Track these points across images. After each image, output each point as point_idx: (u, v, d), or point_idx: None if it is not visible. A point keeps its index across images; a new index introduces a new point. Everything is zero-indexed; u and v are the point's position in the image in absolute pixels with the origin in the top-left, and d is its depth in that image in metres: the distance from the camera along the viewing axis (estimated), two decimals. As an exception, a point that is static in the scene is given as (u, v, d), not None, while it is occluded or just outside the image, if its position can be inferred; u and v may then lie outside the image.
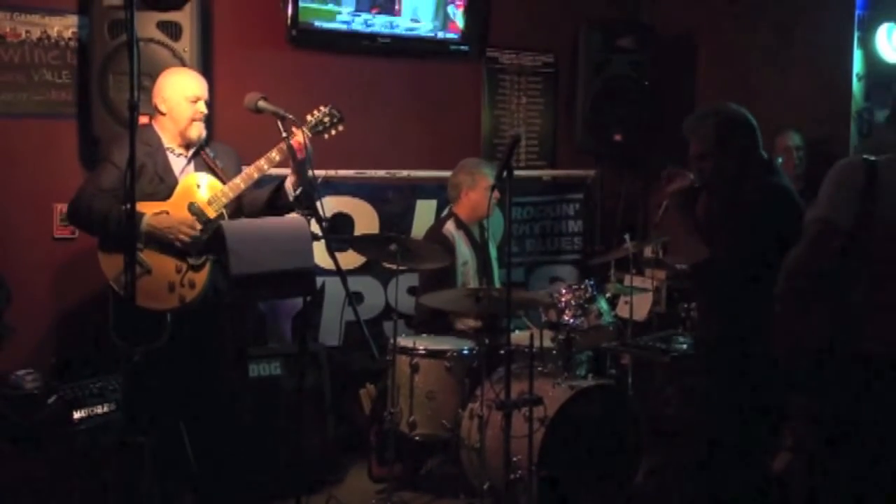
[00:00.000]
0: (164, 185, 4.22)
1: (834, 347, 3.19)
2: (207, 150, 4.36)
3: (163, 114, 4.27)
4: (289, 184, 4.30)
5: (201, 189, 4.24)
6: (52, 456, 4.13)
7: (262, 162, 4.25)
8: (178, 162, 4.30)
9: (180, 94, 4.24)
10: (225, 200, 4.23)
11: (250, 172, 4.26)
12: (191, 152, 4.32)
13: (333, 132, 4.40)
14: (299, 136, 4.20)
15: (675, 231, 3.95)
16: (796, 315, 3.28)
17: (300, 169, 4.19)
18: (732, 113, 3.89)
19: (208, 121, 4.36)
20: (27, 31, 4.94)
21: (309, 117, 4.35)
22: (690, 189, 3.85)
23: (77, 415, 4.23)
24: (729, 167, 3.82)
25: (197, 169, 4.32)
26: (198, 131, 4.28)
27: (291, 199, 4.28)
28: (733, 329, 3.79)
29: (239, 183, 4.25)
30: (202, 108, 4.27)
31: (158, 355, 3.98)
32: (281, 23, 5.49)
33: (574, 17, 6.46)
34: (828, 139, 5.68)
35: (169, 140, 4.29)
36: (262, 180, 4.31)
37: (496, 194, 5.17)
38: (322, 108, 4.38)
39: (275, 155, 4.22)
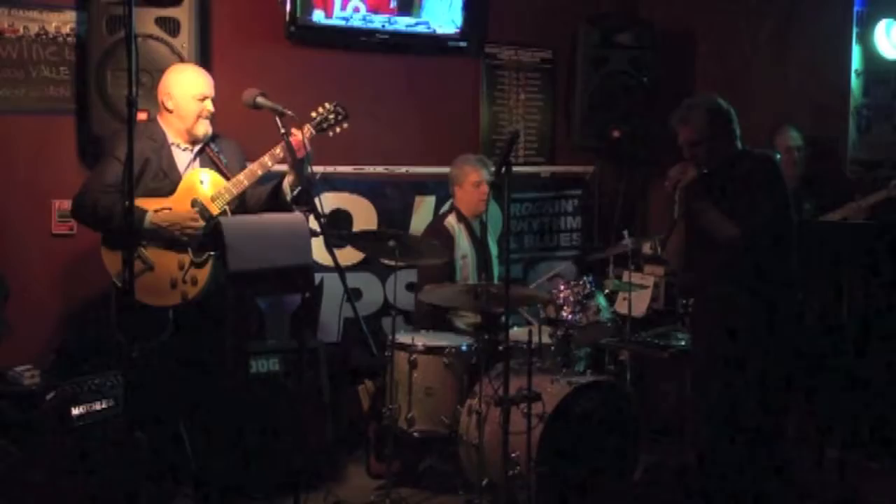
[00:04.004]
0: (168, 181, 4.22)
1: None
2: (212, 145, 4.36)
3: (169, 111, 4.26)
4: (286, 183, 4.30)
5: (205, 185, 4.24)
6: (50, 452, 4.12)
7: (265, 158, 4.25)
8: (183, 157, 4.30)
9: (188, 92, 4.24)
10: (228, 197, 4.23)
11: (254, 169, 4.26)
12: (196, 148, 4.32)
13: (338, 129, 4.40)
14: (298, 135, 4.21)
15: (699, 221, 4.09)
16: None
17: (298, 167, 4.19)
18: (717, 101, 4.18)
19: (208, 117, 4.37)
20: (25, 27, 4.93)
21: (313, 114, 4.35)
22: (697, 177, 4.11)
23: (75, 411, 4.22)
24: (721, 149, 4.09)
25: (202, 164, 4.33)
26: (204, 129, 4.28)
27: (289, 198, 4.29)
28: (776, 302, 4.08)
29: (242, 180, 4.26)
30: (209, 106, 4.28)
31: (159, 351, 3.98)
32: (279, 19, 5.48)
33: (572, 13, 6.45)
34: (826, 135, 5.68)
35: (174, 136, 4.29)
36: (266, 176, 4.31)
37: (484, 188, 5.21)
38: (327, 104, 4.38)
39: (278, 151, 4.23)
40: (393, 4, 5.79)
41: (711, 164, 4.10)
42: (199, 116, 4.25)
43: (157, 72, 4.50)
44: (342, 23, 5.62)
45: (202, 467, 4.41)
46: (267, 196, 4.36)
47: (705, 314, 4.33)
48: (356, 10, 5.68)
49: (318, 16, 5.53)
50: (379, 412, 4.91)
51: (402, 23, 5.81)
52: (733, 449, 4.15)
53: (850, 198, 5.18)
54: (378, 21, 5.72)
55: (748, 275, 4.05)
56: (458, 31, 6.00)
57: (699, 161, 4.09)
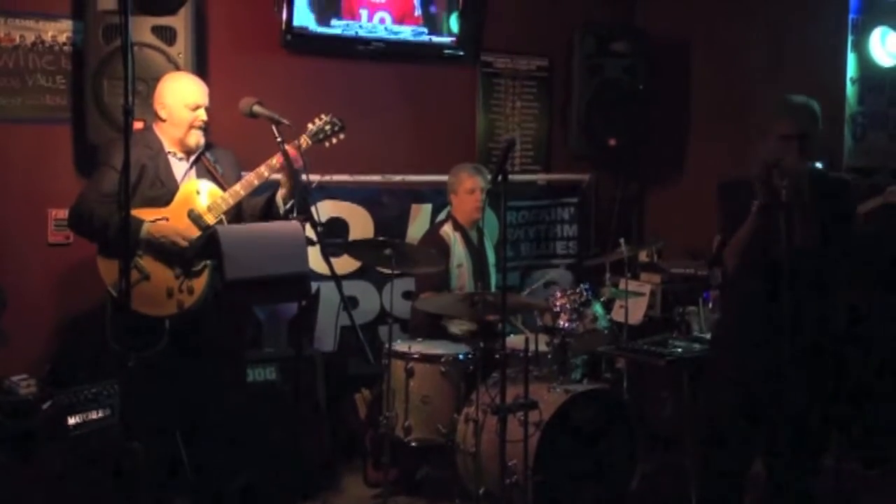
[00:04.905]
0: (165, 190, 4.21)
1: None
2: (208, 154, 4.35)
3: (163, 120, 4.26)
4: (279, 196, 4.30)
5: (201, 195, 4.24)
6: (46, 462, 4.11)
7: (262, 168, 4.25)
8: (179, 166, 4.29)
9: (180, 101, 4.23)
10: (225, 207, 4.23)
11: (250, 179, 4.25)
12: (192, 157, 4.32)
13: (334, 140, 4.40)
14: (293, 149, 4.21)
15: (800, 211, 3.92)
16: None
17: (293, 177, 4.17)
18: None
19: (204, 125, 4.36)
20: (21, 36, 4.93)
21: (310, 125, 4.35)
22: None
23: (72, 420, 4.21)
24: (816, 151, 3.99)
25: (198, 174, 4.32)
26: (196, 138, 4.27)
27: (282, 211, 4.28)
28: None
29: (239, 190, 4.25)
30: (202, 115, 4.26)
31: (156, 361, 3.97)
32: (275, 27, 5.49)
33: (568, 22, 6.46)
34: (821, 143, 5.69)
35: (169, 145, 4.28)
36: (262, 185, 4.31)
37: (477, 195, 5.23)
38: (323, 116, 4.39)
39: (275, 161, 4.22)
40: (418, 13, 5.86)
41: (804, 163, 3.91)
42: (191, 126, 4.24)
43: (154, 80, 4.49)
44: (338, 31, 5.63)
45: (198, 476, 4.40)
46: (261, 208, 4.36)
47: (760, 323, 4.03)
48: (382, 21, 5.77)
49: (347, 26, 5.64)
50: (376, 420, 4.91)
51: (398, 31, 5.82)
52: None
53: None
54: (374, 30, 5.73)
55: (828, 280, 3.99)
56: (454, 39, 6.02)
57: (804, 156, 3.90)
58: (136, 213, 3.94)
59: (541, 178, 6.65)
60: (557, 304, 4.93)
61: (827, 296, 3.96)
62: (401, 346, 4.88)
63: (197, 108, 4.25)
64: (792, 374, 3.85)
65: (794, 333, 3.76)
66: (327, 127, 4.36)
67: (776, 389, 3.89)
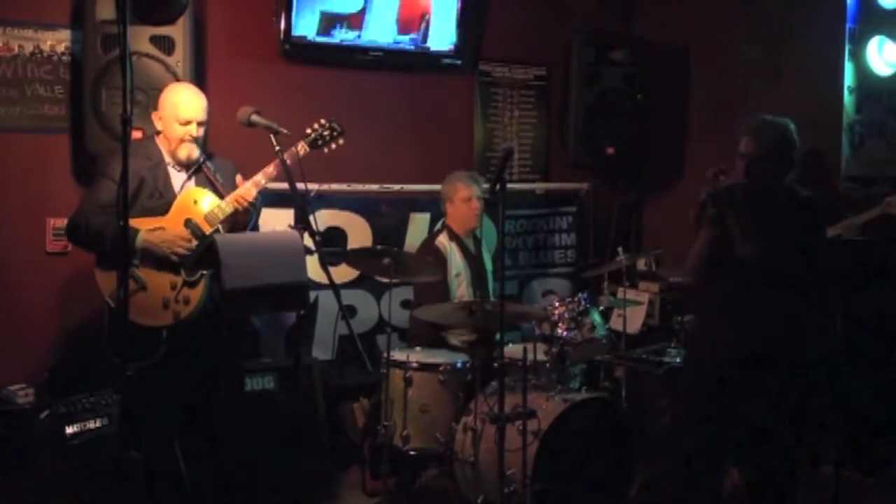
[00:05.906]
0: (164, 201, 4.22)
1: None
2: (209, 164, 4.35)
3: (159, 131, 4.27)
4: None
5: (198, 204, 4.24)
6: (44, 471, 4.11)
7: (258, 177, 4.25)
8: (178, 177, 4.30)
9: (172, 114, 4.23)
10: (222, 216, 4.23)
11: (248, 187, 4.25)
12: (190, 169, 4.32)
13: (333, 146, 4.40)
14: (295, 151, 4.21)
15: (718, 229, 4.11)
16: None
17: (291, 186, 4.16)
18: (793, 129, 4.11)
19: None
20: (20, 46, 4.93)
21: (308, 130, 4.35)
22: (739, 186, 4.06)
23: (69, 430, 4.21)
24: (779, 173, 4.05)
25: (198, 184, 4.32)
26: (186, 152, 4.25)
27: None
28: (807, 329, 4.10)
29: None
30: (193, 130, 4.24)
31: (153, 371, 3.97)
32: (274, 37, 5.50)
33: (566, 30, 6.48)
34: (819, 151, 5.70)
35: (169, 156, 4.29)
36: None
37: (475, 204, 5.23)
38: (322, 121, 4.38)
39: (271, 169, 4.22)
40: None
41: (760, 185, 4.04)
42: (182, 140, 4.23)
43: (152, 90, 4.51)
44: (337, 40, 5.64)
45: (196, 486, 4.39)
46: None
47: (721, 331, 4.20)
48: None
49: (345, 35, 5.64)
50: (374, 429, 4.90)
51: (397, 41, 5.83)
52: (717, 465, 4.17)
53: (843, 215, 5.19)
54: (372, 38, 5.74)
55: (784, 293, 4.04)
56: (452, 48, 6.02)
57: (750, 177, 4.03)
58: (132, 222, 3.91)
59: (539, 186, 6.66)
60: (556, 312, 4.93)
61: (802, 305, 4.03)
62: (399, 354, 4.88)
63: (188, 123, 4.23)
64: (738, 382, 3.98)
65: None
66: (325, 132, 4.36)
67: (735, 392, 3.99)
